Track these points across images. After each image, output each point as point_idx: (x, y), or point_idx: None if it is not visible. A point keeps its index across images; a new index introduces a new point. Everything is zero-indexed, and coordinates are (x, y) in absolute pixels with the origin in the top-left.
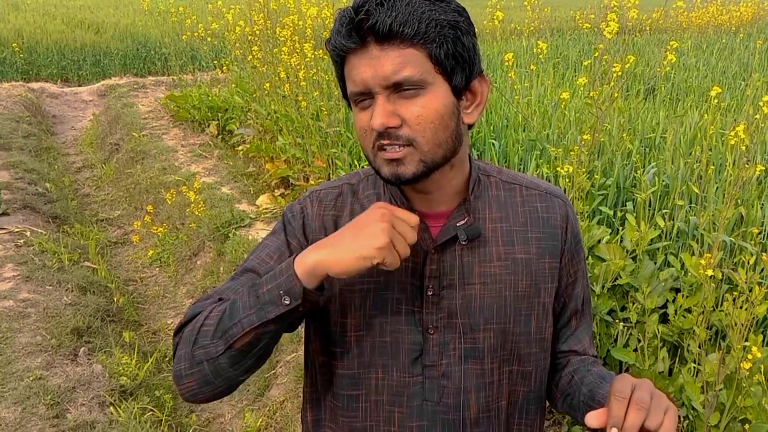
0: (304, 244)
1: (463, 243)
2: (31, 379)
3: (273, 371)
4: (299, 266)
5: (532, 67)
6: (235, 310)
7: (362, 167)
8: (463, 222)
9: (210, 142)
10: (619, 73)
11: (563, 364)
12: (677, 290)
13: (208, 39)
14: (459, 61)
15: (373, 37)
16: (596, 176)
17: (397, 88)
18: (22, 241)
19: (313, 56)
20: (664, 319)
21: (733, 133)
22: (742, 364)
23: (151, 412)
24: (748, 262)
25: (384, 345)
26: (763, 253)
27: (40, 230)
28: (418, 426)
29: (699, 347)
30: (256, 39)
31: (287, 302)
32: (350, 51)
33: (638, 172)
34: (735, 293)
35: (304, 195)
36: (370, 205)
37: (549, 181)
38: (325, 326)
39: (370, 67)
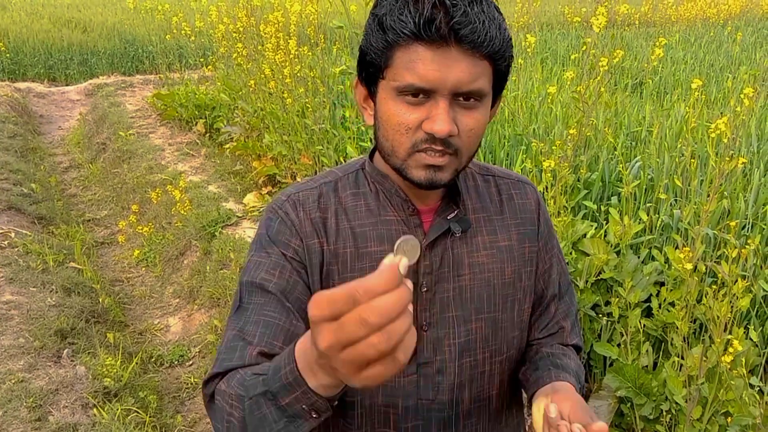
0: (303, 251)
1: (457, 235)
2: (13, 381)
3: None
4: (312, 380)
5: (519, 61)
6: (258, 423)
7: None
8: (453, 215)
9: (197, 141)
10: (606, 68)
11: (535, 350)
12: (661, 284)
13: (192, 38)
14: (505, 80)
15: (457, 40)
16: (582, 171)
17: (459, 96)
18: (6, 242)
19: (297, 53)
20: (648, 313)
21: (713, 126)
22: (723, 358)
23: (135, 413)
24: (731, 256)
25: None
26: (746, 246)
27: (25, 231)
28: (414, 426)
29: (682, 341)
30: (241, 36)
31: (316, 416)
32: (422, 40)
33: (622, 166)
34: (715, 287)
35: (279, 201)
36: (353, 204)
37: (534, 177)
38: None
39: (446, 67)
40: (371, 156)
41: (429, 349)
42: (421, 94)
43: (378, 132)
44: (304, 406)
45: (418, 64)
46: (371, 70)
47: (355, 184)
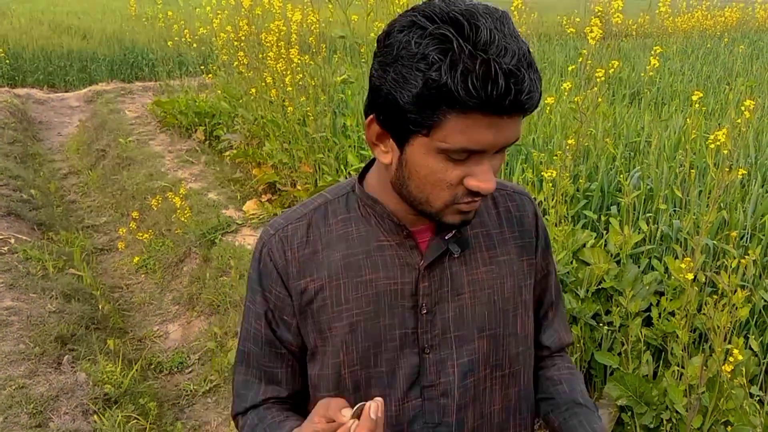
0: (286, 297)
1: (456, 256)
2: (14, 388)
3: None
4: None
5: None
6: None
7: (345, 177)
8: (450, 234)
9: (197, 148)
10: (603, 78)
11: (543, 361)
12: (661, 293)
13: (194, 45)
14: None
15: (516, 110)
16: (581, 180)
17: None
18: (6, 248)
19: (299, 61)
20: (648, 322)
21: (712, 137)
22: (723, 367)
23: (135, 420)
24: (731, 266)
25: (381, 376)
26: (746, 256)
27: (24, 237)
28: None
29: (682, 350)
30: (242, 44)
31: None
32: (483, 111)
33: (622, 176)
34: (715, 296)
35: (267, 235)
36: (344, 232)
37: (533, 186)
38: (320, 372)
39: (498, 132)
40: (360, 178)
41: (432, 371)
42: (468, 154)
43: (407, 181)
44: None
45: (474, 129)
46: (408, 125)
47: (346, 208)
